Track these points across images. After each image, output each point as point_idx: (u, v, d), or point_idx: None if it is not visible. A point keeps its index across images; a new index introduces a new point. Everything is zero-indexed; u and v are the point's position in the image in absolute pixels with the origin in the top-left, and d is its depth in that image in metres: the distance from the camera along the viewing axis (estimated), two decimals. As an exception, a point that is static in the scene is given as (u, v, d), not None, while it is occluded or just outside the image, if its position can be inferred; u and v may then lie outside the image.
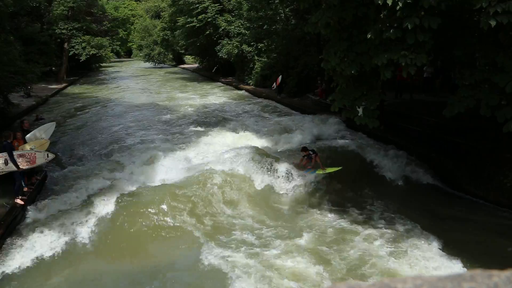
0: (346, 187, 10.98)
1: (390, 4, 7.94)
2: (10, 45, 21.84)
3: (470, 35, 9.78)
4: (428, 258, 7.48)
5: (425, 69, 17.32)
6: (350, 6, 9.55)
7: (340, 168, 10.75)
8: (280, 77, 23.71)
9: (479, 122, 11.18)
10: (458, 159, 11.54)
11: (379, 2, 8.11)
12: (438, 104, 12.90)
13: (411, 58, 8.36)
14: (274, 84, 24.08)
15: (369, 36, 9.03)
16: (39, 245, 8.09)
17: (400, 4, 7.89)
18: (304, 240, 8.35)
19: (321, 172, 10.66)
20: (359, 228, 8.79)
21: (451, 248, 7.77)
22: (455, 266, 7.22)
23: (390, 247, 7.89)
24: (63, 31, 38.00)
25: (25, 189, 9.88)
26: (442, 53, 11.36)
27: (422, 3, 7.87)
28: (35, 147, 9.44)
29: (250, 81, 30.80)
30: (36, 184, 10.66)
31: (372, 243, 8.09)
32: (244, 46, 31.14)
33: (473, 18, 9.67)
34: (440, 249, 7.77)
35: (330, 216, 9.63)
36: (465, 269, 7.11)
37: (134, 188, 10.49)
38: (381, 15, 8.83)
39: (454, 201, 10.54)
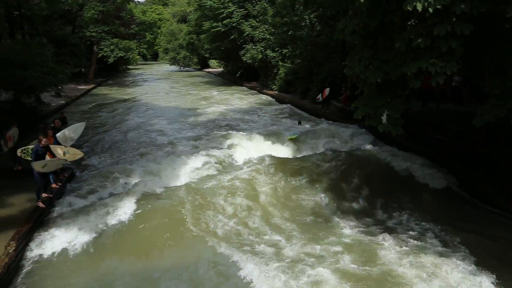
0: (373, 196, 10.84)
1: (420, 10, 7.81)
2: (43, 47, 22.67)
3: (501, 43, 9.53)
4: (459, 276, 7.24)
5: (454, 78, 16.95)
6: (377, 12, 9.46)
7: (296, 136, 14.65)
8: (327, 90, 20.62)
9: (508, 133, 10.86)
10: (486, 171, 11.21)
11: (408, 8, 7.99)
12: (465, 114, 12.61)
13: (441, 66, 8.19)
14: (320, 96, 21.10)
15: (397, 45, 8.91)
16: (63, 239, 8.33)
17: (430, 11, 7.75)
18: (329, 251, 8.19)
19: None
20: (384, 239, 8.52)
21: (480, 265, 7.46)
22: (485, 284, 6.98)
23: (415, 261, 7.66)
24: (93, 34, 39.11)
25: (53, 185, 10.16)
26: (471, 61, 11.09)
27: (454, 9, 7.71)
28: (68, 152, 9.55)
29: (274, 86, 30.86)
30: (63, 181, 10.98)
31: (398, 256, 7.85)
32: (268, 52, 31.26)
33: (505, 25, 9.44)
34: (470, 266, 7.48)
35: (356, 226, 9.48)
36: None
37: (157, 189, 10.65)
38: (410, 22, 8.70)
39: (483, 214, 10.18)
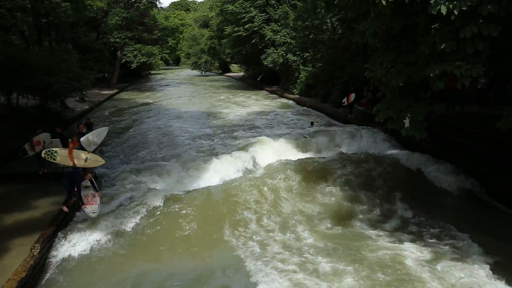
0: (395, 201, 10.68)
1: (444, 13, 7.62)
2: (68, 53, 23.22)
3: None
4: (479, 280, 7.08)
5: (479, 80, 16.50)
6: (401, 15, 9.28)
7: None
8: (353, 95, 20.08)
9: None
10: (514, 176, 10.86)
11: (433, 12, 7.80)
12: (491, 117, 12.23)
13: (466, 68, 7.96)
14: (345, 100, 20.55)
15: (422, 49, 8.72)
16: (86, 243, 8.48)
17: (456, 13, 7.55)
18: (348, 255, 8.14)
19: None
20: (408, 244, 8.45)
21: (505, 270, 7.30)
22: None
23: (439, 267, 7.53)
24: (117, 39, 39.88)
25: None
26: (498, 63, 10.75)
27: (481, 10, 7.50)
28: (90, 158, 9.74)
29: (295, 90, 30.75)
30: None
31: (422, 262, 7.73)
32: (290, 55, 31.20)
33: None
34: (494, 271, 7.32)
35: (379, 231, 9.34)
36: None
37: (179, 193, 10.73)
38: (434, 26, 8.49)
39: (508, 219, 9.88)
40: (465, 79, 8.15)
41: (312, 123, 19.81)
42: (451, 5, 7.60)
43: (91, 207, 8.97)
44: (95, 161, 9.75)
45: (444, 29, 8.22)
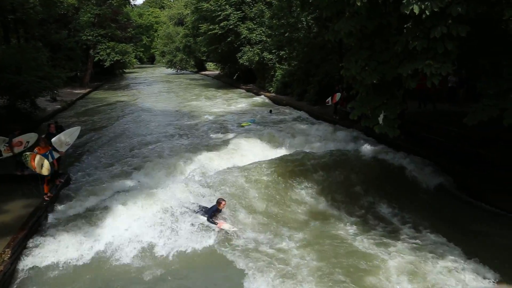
0: (369, 196, 10.84)
1: (417, 13, 7.80)
2: (38, 51, 22.58)
3: (496, 44, 9.54)
4: (455, 274, 7.26)
5: (450, 79, 16.99)
6: (375, 15, 9.45)
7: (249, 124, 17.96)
8: (338, 95, 19.30)
9: (504, 134, 10.88)
10: (484, 171, 11.23)
11: (406, 11, 7.98)
12: (461, 114, 12.62)
13: (436, 67, 8.19)
14: (330, 99, 19.76)
15: (395, 47, 8.90)
16: (59, 246, 8.19)
17: (427, 13, 7.74)
18: (321, 251, 8.21)
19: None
20: (383, 240, 8.55)
21: (479, 263, 7.51)
22: (485, 281, 7.07)
23: (414, 262, 7.66)
24: (89, 37, 39.00)
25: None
26: (467, 62, 11.11)
27: (450, 11, 7.72)
28: (47, 167, 9.73)
29: (271, 88, 30.85)
30: (60, 187, 10.90)
31: (397, 257, 7.83)
32: (265, 54, 31.26)
33: (501, 27, 9.45)
34: (468, 264, 7.52)
35: (352, 227, 9.45)
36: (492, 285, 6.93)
37: (153, 192, 10.55)
38: (407, 25, 8.68)
39: (480, 214, 10.20)
40: (435, 78, 8.40)
41: (270, 111, 21.99)
42: (423, 5, 7.79)
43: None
44: (47, 169, 9.58)
45: (416, 29, 8.42)
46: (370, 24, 9.43)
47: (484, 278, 7.19)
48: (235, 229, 9.02)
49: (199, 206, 9.71)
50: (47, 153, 9.87)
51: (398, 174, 11.95)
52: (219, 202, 9.32)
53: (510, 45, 8.96)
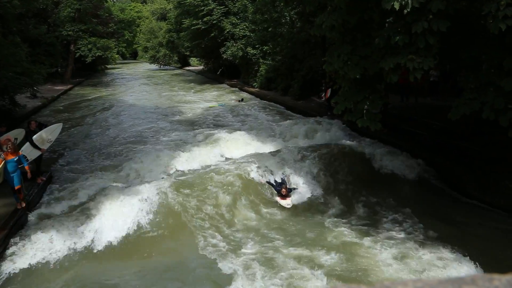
0: (351, 190, 10.96)
1: (397, 8, 7.89)
2: (16, 46, 21.99)
3: (476, 39, 9.72)
4: (436, 263, 7.44)
5: (431, 73, 17.25)
6: (356, 9, 9.52)
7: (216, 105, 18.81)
8: (330, 90, 18.64)
9: (485, 127, 11.11)
10: (464, 164, 11.47)
11: (387, 7, 8.06)
12: (443, 108, 12.85)
13: (419, 62, 8.31)
14: (323, 95, 19.75)
15: (377, 42, 8.98)
16: (41, 246, 8.08)
17: (408, 9, 7.84)
18: (308, 245, 8.29)
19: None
20: (366, 231, 8.73)
21: (459, 253, 7.71)
22: (462, 270, 7.23)
23: (397, 252, 7.83)
24: (70, 32, 38.19)
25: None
26: (448, 57, 11.31)
27: (430, 7, 7.83)
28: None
29: (255, 83, 30.82)
30: (41, 185, 10.72)
31: (380, 248, 8.01)
32: (249, 49, 31.18)
33: (480, 22, 9.61)
34: (449, 254, 7.72)
35: (337, 220, 9.56)
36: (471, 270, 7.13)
37: (137, 189, 10.46)
38: (388, 20, 8.78)
39: (461, 206, 10.44)
40: (417, 72, 8.52)
41: (242, 99, 24.94)
42: (403, 1, 7.88)
43: None
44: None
45: (397, 24, 8.52)
46: (351, 18, 9.50)
47: (461, 263, 7.40)
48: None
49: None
50: (14, 159, 8.91)
51: (380, 167, 12.11)
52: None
53: (489, 40, 9.13)
